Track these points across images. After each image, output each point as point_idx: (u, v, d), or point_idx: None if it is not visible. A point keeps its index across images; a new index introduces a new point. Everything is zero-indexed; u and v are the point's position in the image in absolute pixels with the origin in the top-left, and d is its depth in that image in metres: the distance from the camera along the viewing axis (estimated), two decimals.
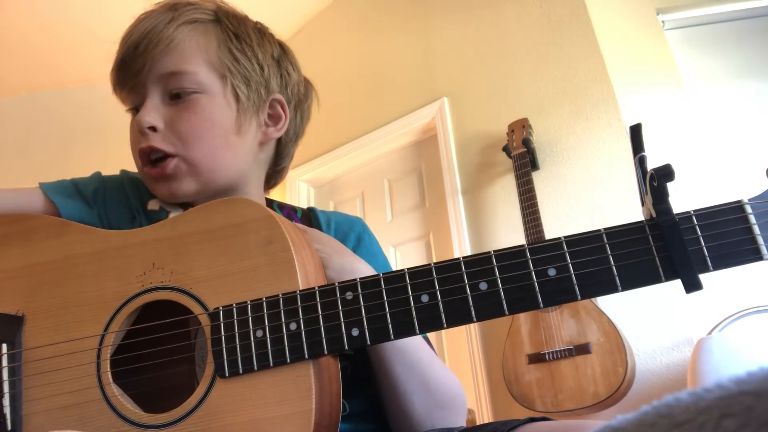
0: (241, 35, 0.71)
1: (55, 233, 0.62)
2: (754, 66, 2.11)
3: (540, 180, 2.10)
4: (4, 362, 0.57)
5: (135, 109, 0.69)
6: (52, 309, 0.59)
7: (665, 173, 0.45)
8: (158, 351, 0.57)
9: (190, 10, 0.70)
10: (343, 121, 2.86)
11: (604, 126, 2.05)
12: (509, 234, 2.14)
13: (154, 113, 0.66)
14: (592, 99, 2.10)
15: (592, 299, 1.73)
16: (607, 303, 1.81)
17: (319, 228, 0.77)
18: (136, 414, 0.53)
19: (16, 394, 0.56)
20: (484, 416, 1.99)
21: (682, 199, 1.97)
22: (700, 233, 0.45)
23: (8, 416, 0.55)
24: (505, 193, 2.21)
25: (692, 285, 0.45)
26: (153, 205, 0.73)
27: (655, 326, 1.77)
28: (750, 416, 0.20)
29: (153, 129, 0.66)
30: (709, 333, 1.58)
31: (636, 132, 0.49)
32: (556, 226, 2.01)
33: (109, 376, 0.55)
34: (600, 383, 1.60)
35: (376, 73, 2.86)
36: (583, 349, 1.66)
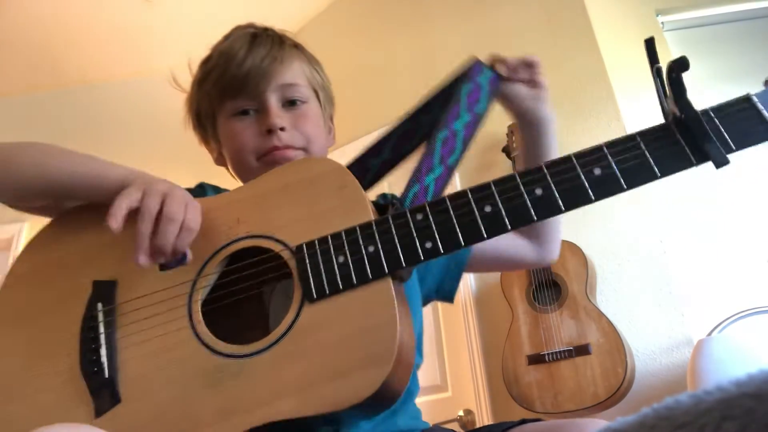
0: (313, 59, 0.90)
1: None
2: (753, 67, 2.11)
3: None
4: (100, 318, 0.63)
5: (243, 112, 0.80)
6: (142, 269, 0.62)
7: (681, 63, 0.53)
8: (243, 298, 0.61)
9: (285, 36, 0.86)
10: (342, 123, 2.84)
11: (604, 126, 2.05)
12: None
13: (280, 117, 0.78)
14: (591, 99, 2.10)
15: (591, 300, 1.73)
16: (606, 304, 1.81)
17: None
18: (227, 347, 0.57)
19: (112, 345, 0.61)
20: (484, 417, 1.99)
21: (679, 199, 1.96)
22: (718, 121, 0.53)
23: (105, 364, 0.60)
24: None
25: (720, 161, 0.51)
26: None
27: (655, 327, 1.77)
28: (751, 419, 0.20)
29: (282, 129, 0.78)
30: (709, 334, 1.58)
31: (651, 45, 0.56)
32: None
33: (200, 316, 0.60)
34: (600, 384, 1.60)
35: (375, 75, 2.86)
36: (582, 350, 1.66)
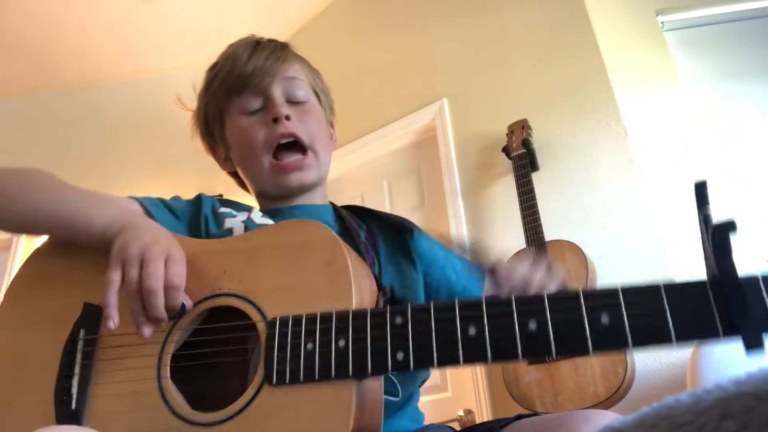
0: (314, 69, 0.92)
1: None
2: (753, 67, 2.11)
3: (540, 181, 2.09)
4: (80, 346, 0.62)
5: (250, 114, 0.82)
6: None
7: (729, 227, 0.45)
8: (216, 353, 0.60)
9: (286, 43, 0.89)
10: (342, 123, 2.84)
11: (604, 127, 2.05)
12: (509, 235, 2.14)
13: (285, 107, 0.81)
14: (591, 100, 2.10)
15: None
16: None
17: None
18: (185, 410, 0.56)
19: (86, 376, 0.61)
20: (484, 417, 1.99)
21: (680, 200, 1.95)
22: (765, 293, 0.43)
23: (74, 396, 0.59)
24: (504, 194, 2.20)
25: (754, 344, 0.42)
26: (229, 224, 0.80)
27: None
28: (750, 417, 0.20)
29: (288, 118, 0.81)
30: None
31: (701, 189, 0.48)
32: (556, 227, 2.01)
33: (168, 370, 0.59)
34: (599, 384, 1.60)
35: (375, 75, 2.85)
36: None
